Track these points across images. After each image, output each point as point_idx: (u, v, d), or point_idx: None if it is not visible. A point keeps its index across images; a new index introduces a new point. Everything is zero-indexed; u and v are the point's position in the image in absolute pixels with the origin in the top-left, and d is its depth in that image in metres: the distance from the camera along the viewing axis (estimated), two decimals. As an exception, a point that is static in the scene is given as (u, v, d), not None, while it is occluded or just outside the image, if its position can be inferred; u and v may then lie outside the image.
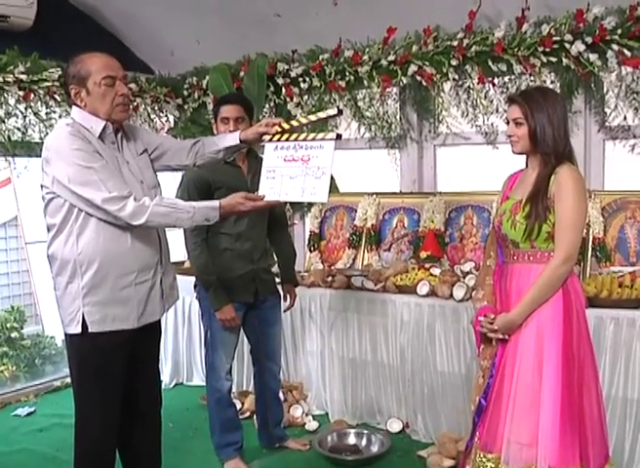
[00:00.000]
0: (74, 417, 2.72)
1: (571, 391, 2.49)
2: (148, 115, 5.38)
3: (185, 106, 5.57)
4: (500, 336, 2.59)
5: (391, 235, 4.68)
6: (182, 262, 5.23)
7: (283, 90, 5.00)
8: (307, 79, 4.86)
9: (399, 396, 4.07)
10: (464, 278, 3.94)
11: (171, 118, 5.64)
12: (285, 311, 3.80)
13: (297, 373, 4.54)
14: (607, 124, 4.02)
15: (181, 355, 5.10)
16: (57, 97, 4.67)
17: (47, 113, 4.67)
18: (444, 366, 3.85)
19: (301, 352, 4.48)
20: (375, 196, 4.79)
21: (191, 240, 3.38)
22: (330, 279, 4.36)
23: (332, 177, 4.87)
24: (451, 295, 3.84)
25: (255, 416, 3.98)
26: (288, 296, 3.78)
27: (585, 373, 2.55)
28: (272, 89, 5.06)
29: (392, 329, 4.03)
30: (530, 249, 2.57)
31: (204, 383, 4.83)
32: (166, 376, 5.10)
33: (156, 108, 5.43)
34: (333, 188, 4.95)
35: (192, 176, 3.35)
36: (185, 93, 5.55)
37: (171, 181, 5.22)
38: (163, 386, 4.91)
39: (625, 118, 3.90)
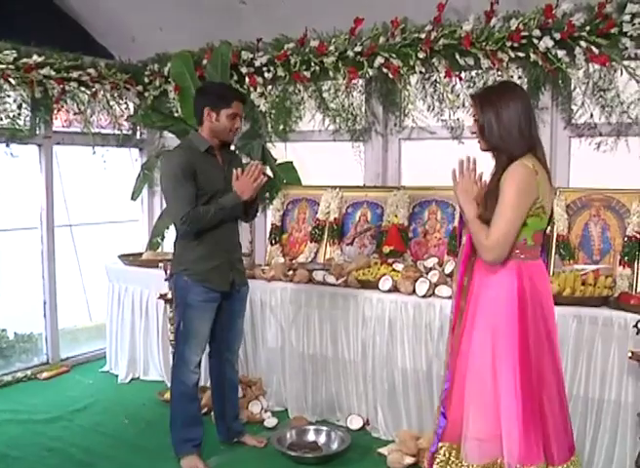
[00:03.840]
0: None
1: (530, 388, 2.49)
2: (108, 102, 5.27)
3: (146, 94, 5.49)
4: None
5: (354, 229, 4.66)
6: (140, 254, 5.22)
7: (247, 79, 4.96)
8: (272, 69, 4.83)
9: (360, 393, 4.05)
10: (427, 274, 3.93)
11: (131, 105, 5.55)
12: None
13: (256, 369, 4.49)
14: (573, 121, 4.05)
15: (138, 349, 5.02)
16: (11, 80, 4.53)
17: (1, 97, 4.53)
18: (405, 362, 3.84)
19: (261, 347, 4.44)
20: (338, 189, 4.77)
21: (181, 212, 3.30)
22: (291, 273, 4.33)
23: (294, 169, 4.99)
24: (413, 291, 3.83)
25: (212, 411, 3.93)
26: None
27: (545, 369, 2.55)
28: (235, 78, 5.01)
29: (354, 324, 4.02)
30: None
31: (161, 378, 4.90)
32: (122, 371, 5.04)
33: (116, 95, 5.32)
34: (295, 180, 4.96)
35: (179, 161, 3.31)
36: (146, 80, 5.47)
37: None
38: (118, 381, 4.95)
39: (592, 116, 3.94)
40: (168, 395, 4.45)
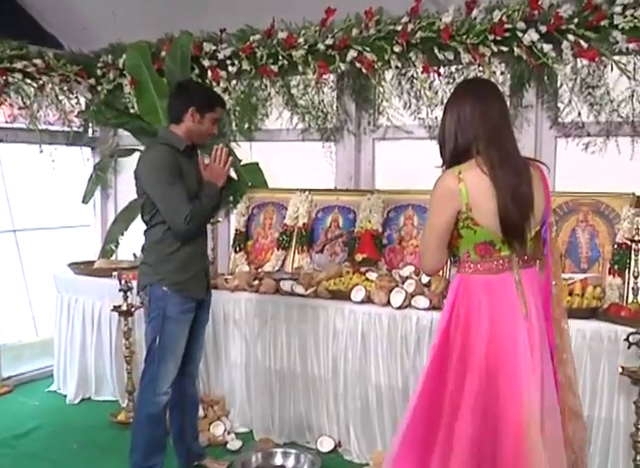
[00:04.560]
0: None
1: (430, 408, 2.49)
2: (56, 96, 5.22)
3: (99, 88, 5.45)
4: None
5: (324, 235, 4.64)
6: (92, 262, 5.18)
7: (209, 73, 4.94)
8: (236, 62, 4.82)
9: (331, 412, 4.03)
10: (403, 283, 3.92)
11: (82, 100, 5.51)
12: None
13: (218, 387, 4.44)
14: (560, 120, 4.07)
15: (90, 366, 4.95)
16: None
17: None
18: (380, 379, 3.83)
19: (224, 363, 4.40)
20: (307, 193, 4.76)
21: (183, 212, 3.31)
22: (256, 283, 4.31)
23: (261, 171, 4.96)
24: (388, 302, 3.82)
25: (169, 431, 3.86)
26: None
27: (466, 402, 2.44)
28: (197, 71, 5.00)
29: (324, 338, 4.00)
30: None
31: (114, 398, 4.85)
32: (71, 390, 4.96)
33: (65, 89, 5.28)
34: (261, 183, 4.94)
35: (167, 159, 3.34)
36: (99, 72, 5.43)
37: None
38: (67, 402, 4.86)
39: (580, 114, 3.95)
40: (122, 416, 4.46)
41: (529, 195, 2.44)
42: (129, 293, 4.33)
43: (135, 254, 4.89)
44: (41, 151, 5.15)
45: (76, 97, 5.42)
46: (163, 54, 4.99)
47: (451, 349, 2.49)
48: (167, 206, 3.31)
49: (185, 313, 3.46)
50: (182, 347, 3.50)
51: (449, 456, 2.42)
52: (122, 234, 5.22)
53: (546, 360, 2.51)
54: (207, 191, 3.42)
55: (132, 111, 5.19)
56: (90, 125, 5.73)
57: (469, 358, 2.45)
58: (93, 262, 5.14)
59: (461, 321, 2.48)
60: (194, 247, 3.46)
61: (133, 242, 4.96)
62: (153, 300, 3.46)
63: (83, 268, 5.03)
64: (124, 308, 4.35)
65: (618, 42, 3.66)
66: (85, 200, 5.53)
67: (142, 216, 3.47)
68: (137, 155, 5.14)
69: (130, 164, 5.59)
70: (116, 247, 5.30)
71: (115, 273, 4.50)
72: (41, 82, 5.05)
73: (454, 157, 2.47)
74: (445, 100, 4.05)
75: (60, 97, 5.28)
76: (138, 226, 5.04)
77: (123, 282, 4.31)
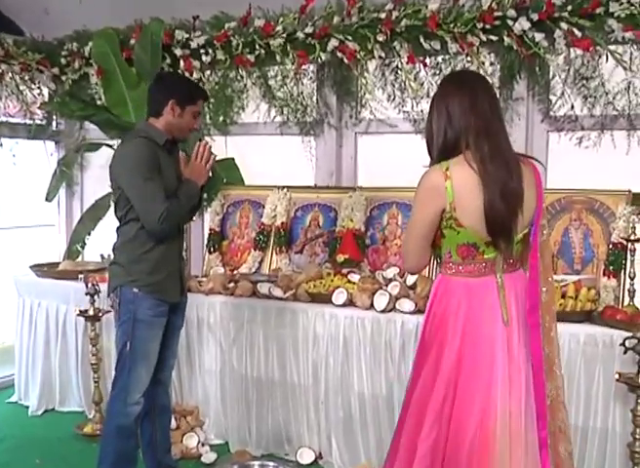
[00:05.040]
0: None
1: (411, 415, 2.53)
2: (17, 86, 5.21)
3: (63, 77, 5.40)
4: None
5: (304, 235, 4.65)
6: (56, 264, 5.14)
7: (181, 63, 4.92)
8: (210, 51, 4.80)
9: (311, 422, 4.03)
10: (387, 286, 3.92)
11: (45, 91, 5.49)
12: None
13: (191, 396, 4.42)
14: (552, 113, 4.09)
15: (54, 375, 4.91)
16: None
17: None
18: (363, 386, 3.83)
19: (197, 370, 4.38)
20: (285, 190, 4.76)
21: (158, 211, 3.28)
22: (232, 285, 4.30)
23: (236, 167, 4.94)
24: (371, 306, 3.82)
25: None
26: None
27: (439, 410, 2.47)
28: (168, 61, 4.98)
29: (304, 343, 4.01)
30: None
31: (80, 409, 4.82)
32: (33, 401, 4.92)
33: (27, 78, 5.26)
34: (237, 180, 4.94)
35: (146, 152, 3.30)
36: (63, 61, 5.38)
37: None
38: (29, 413, 4.81)
39: (573, 107, 3.98)
40: (89, 429, 4.44)
41: (519, 191, 2.43)
42: (96, 297, 4.30)
43: (102, 256, 4.86)
44: (1, 145, 5.11)
45: (38, 88, 5.39)
46: (132, 42, 4.96)
47: (427, 352, 2.53)
48: (141, 203, 3.29)
49: (158, 316, 3.43)
50: (155, 353, 3.47)
51: (412, 461, 2.48)
52: (89, 234, 5.17)
53: (527, 370, 2.50)
54: (186, 190, 3.39)
55: (99, 103, 5.15)
56: (53, 117, 5.69)
57: (440, 362, 2.48)
58: (57, 264, 5.09)
59: (437, 322, 2.52)
60: (169, 246, 3.43)
61: (100, 242, 4.94)
62: (124, 303, 3.43)
63: (47, 270, 4.98)
64: (91, 313, 4.31)
65: (613, 31, 3.69)
66: (49, 197, 5.48)
67: (116, 213, 3.45)
68: (104, 150, 5.18)
69: (97, 159, 5.59)
70: (82, 247, 5.25)
71: (81, 275, 4.47)
72: (0, 71, 5.02)
73: (442, 153, 2.47)
74: (431, 93, 4.19)
75: (22, 88, 5.25)
76: (105, 225, 5.05)
77: (90, 285, 4.27)
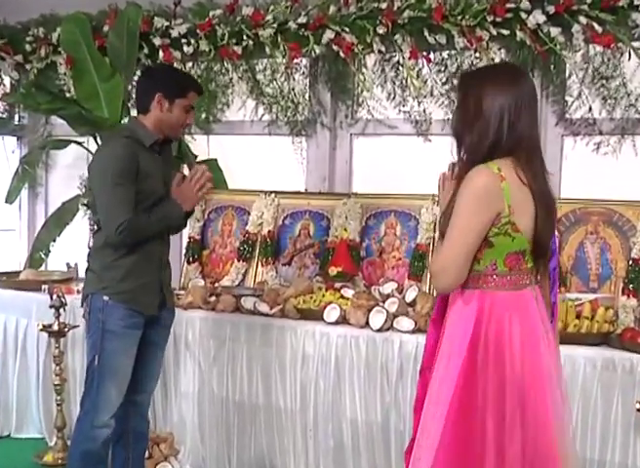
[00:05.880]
0: None
1: (460, 447, 2.46)
2: None
3: (28, 66, 5.42)
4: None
5: (293, 245, 4.64)
6: (17, 273, 5.11)
7: (160, 53, 4.93)
8: (193, 41, 4.82)
9: (298, 451, 3.99)
10: (384, 302, 3.92)
11: (7, 80, 5.52)
12: None
13: (166, 422, 4.39)
14: (567, 116, 4.11)
15: (10, 397, 4.84)
16: None
17: None
18: (356, 412, 3.81)
19: (173, 393, 4.34)
20: (273, 195, 4.74)
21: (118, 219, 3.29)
22: (213, 299, 4.28)
23: (219, 170, 4.94)
24: (366, 324, 3.81)
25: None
26: None
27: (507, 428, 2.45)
28: (146, 51, 4.99)
29: (291, 364, 3.98)
30: None
31: (40, 435, 4.76)
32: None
33: None
34: (220, 183, 4.93)
35: (123, 154, 3.29)
36: (28, 48, 5.39)
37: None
38: None
39: (590, 109, 4.00)
40: (49, 457, 4.39)
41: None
42: (61, 310, 4.25)
43: (69, 264, 4.83)
44: (-44, 140, 5.12)
45: (0, 77, 5.40)
46: (106, 28, 4.97)
47: (481, 382, 2.45)
48: (104, 208, 3.31)
49: (131, 328, 3.41)
50: (127, 369, 3.45)
51: None
52: (54, 240, 5.14)
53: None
54: (164, 210, 3.39)
55: (68, 95, 5.16)
56: (16, 110, 5.71)
57: (506, 391, 2.45)
58: (18, 273, 5.05)
59: (492, 346, 2.46)
60: (145, 255, 3.42)
61: (67, 249, 4.90)
62: (93, 312, 3.43)
63: (6, 280, 4.95)
64: (55, 328, 4.24)
65: (637, 26, 3.72)
66: (9, 199, 5.45)
67: (94, 217, 3.53)
68: (72, 148, 5.15)
69: (64, 158, 5.58)
70: (46, 255, 5.23)
71: (45, 286, 4.43)
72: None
73: (493, 152, 2.45)
74: (435, 91, 4.22)
75: (-19, 77, 5.28)
76: (72, 231, 4.99)
77: (55, 296, 4.22)
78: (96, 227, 3.46)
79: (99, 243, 3.42)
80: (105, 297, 3.37)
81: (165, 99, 3.37)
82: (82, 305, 3.52)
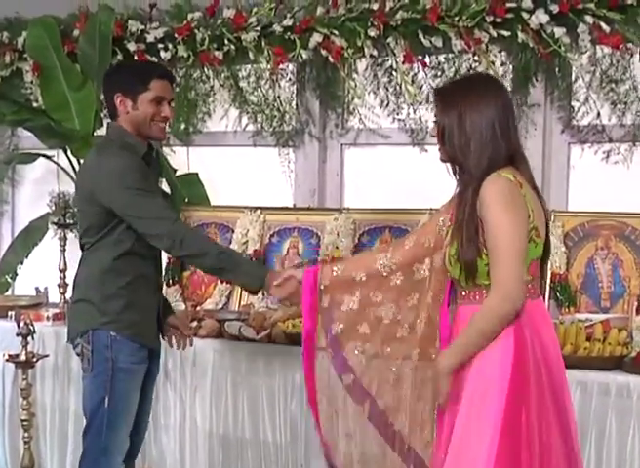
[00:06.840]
0: None
1: None
2: None
3: None
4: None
5: (281, 265, 4.63)
6: None
7: (135, 59, 4.90)
8: (170, 46, 4.84)
9: None
10: (380, 325, 3.89)
11: None
12: None
13: (145, 457, 4.30)
14: (574, 123, 4.13)
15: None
16: None
17: None
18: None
19: (152, 426, 4.22)
20: (259, 212, 4.74)
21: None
22: (194, 324, 4.24)
23: (200, 184, 4.94)
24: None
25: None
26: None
27: (546, 455, 2.50)
28: (120, 57, 4.98)
29: (281, 394, 3.98)
30: (474, 287, 2.57)
31: None
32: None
33: None
34: (201, 198, 4.94)
35: (130, 164, 3.22)
36: None
37: None
38: None
39: (599, 115, 4.02)
40: None
41: None
42: (29, 339, 4.21)
43: (38, 289, 4.79)
44: None
45: (-41, 86, 5.40)
46: (76, 33, 4.99)
47: (521, 409, 2.47)
48: (147, 218, 3.19)
49: (139, 363, 3.37)
50: (135, 406, 3.43)
51: None
52: (21, 263, 5.13)
53: None
54: (243, 264, 3.44)
55: (35, 105, 5.18)
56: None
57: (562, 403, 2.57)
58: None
59: (540, 356, 2.51)
60: (143, 280, 3.36)
61: (35, 273, 4.89)
62: (98, 350, 3.33)
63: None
64: (23, 358, 4.17)
65: (648, 25, 3.77)
66: (-28, 218, 5.45)
67: (82, 239, 3.35)
68: (41, 162, 5.14)
69: (31, 173, 5.58)
70: (13, 279, 5.22)
71: (12, 312, 4.42)
72: None
73: (495, 162, 2.49)
74: (431, 98, 4.19)
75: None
76: (41, 253, 4.98)
77: (23, 324, 4.18)
78: (85, 250, 3.35)
79: (100, 267, 3.30)
80: (113, 333, 3.29)
81: (126, 98, 3.26)
82: (71, 342, 3.44)
